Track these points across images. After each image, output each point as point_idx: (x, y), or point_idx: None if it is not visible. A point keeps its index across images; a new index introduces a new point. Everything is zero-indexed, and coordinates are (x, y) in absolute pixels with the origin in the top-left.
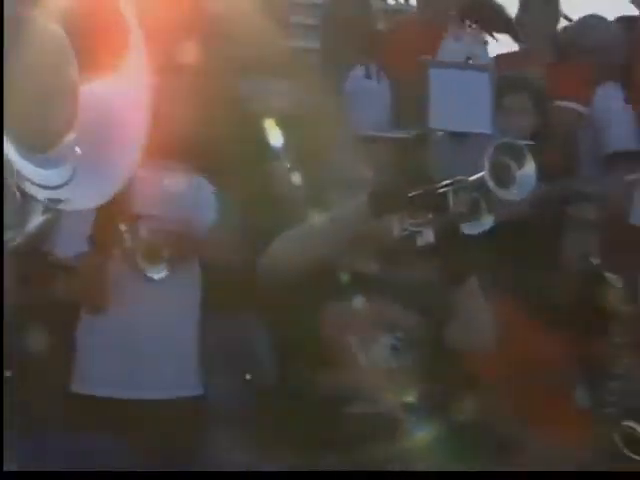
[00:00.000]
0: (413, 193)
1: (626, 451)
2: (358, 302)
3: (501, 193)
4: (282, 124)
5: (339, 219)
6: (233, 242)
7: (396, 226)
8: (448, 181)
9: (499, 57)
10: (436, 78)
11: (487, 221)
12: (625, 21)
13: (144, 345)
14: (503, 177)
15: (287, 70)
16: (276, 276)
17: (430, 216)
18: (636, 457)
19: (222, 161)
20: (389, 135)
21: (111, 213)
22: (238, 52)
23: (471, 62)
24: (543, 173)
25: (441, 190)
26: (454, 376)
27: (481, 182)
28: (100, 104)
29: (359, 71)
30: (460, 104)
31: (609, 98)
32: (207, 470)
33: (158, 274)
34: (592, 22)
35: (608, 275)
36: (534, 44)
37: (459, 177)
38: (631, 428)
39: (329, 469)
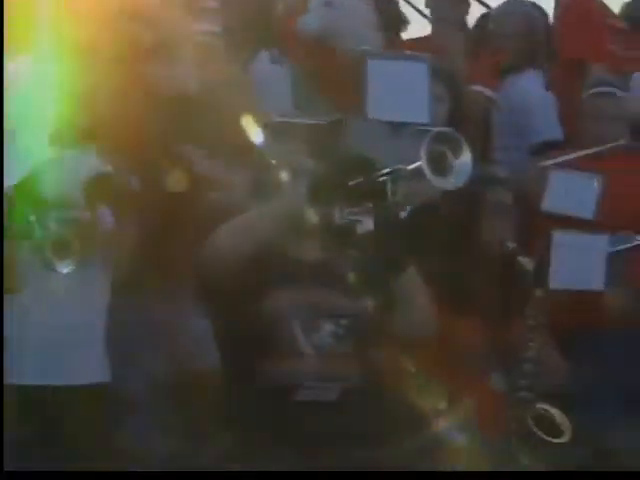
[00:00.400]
0: (352, 182)
1: (539, 433)
2: (301, 289)
3: (438, 182)
4: (196, 109)
5: (278, 207)
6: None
7: (336, 214)
8: (387, 170)
9: (411, 42)
10: (373, 69)
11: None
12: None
13: (50, 332)
14: (440, 166)
15: (195, 54)
16: (219, 264)
17: (369, 205)
18: (548, 439)
19: (132, 147)
20: (300, 121)
21: (20, 200)
22: (144, 35)
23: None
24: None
25: (380, 179)
26: (393, 362)
27: (418, 171)
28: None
29: (264, 55)
30: (398, 94)
31: (530, 84)
32: (207, 470)
33: (66, 268)
34: (510, 8)
35: (521, 259)
36: (443, 30)
37: (397, 166)
38: (544, 410)
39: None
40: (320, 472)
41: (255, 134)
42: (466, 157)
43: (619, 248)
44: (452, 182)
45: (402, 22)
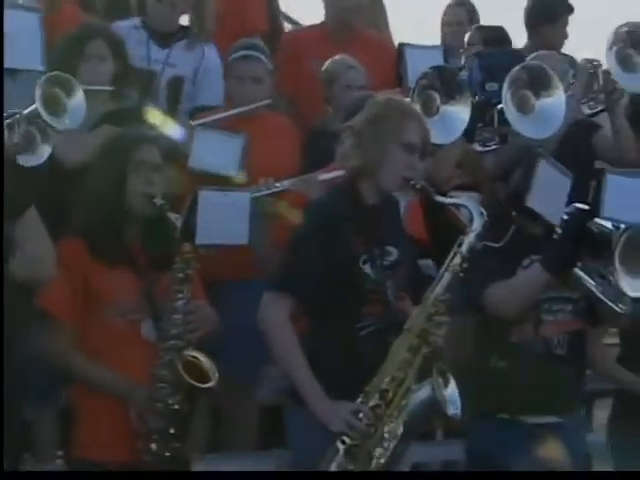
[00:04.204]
0: None
1: (187, 378)
2: None
3: (55, 123)
4: None
5: None
6: None
7: None
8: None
9: None
10: None
11: (44, 152)
12: None
13: None
14: (55, 108)
15: None
16: None
17: None
18: (198, 384)
19: None
20: None
21: None
22: None
23: None
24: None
25: None
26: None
27: (35, 114)
28: None
29: None
30: (12, 41)
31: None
32: (206, 470)
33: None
34: None
35: (171, 215)
36: None
37: (12, 110)
38: (193, 357)
39: None
40: (321, 472)
41: None
42: (79, 98)
43: (260, 194)
44: (67, 123)
45: None
